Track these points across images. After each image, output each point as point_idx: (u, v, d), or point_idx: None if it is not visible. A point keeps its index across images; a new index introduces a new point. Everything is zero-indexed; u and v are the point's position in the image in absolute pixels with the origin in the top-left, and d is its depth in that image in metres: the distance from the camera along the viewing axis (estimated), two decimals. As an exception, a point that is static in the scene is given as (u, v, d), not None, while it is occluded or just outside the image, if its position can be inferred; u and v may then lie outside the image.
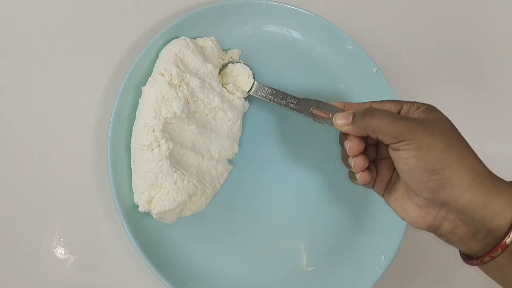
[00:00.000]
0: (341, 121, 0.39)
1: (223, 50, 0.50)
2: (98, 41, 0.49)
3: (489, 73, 0.60)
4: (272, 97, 0.46)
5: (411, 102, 0.39)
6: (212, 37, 0.49)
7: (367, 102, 0.41)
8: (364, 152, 0.40)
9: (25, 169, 0.45)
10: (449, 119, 0.37)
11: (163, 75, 0.44)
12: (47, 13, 0.49)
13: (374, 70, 0.52)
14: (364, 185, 0.41)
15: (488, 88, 0.60)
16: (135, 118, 0.44)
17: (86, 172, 0.46)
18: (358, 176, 0.40)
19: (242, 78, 0.48)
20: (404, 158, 0.36)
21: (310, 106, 0.43)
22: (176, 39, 0.47)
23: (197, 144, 0.45)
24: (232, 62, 0.49)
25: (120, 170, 0.44)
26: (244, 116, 0.49)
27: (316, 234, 0.49)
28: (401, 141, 0.35)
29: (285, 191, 0.49)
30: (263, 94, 0.47)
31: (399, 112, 0.39)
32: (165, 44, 0.47)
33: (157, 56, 0.47)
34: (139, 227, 0.43)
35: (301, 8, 0.51)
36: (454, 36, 0.61)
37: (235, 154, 0.48)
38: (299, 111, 0.44)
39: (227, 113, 0.46)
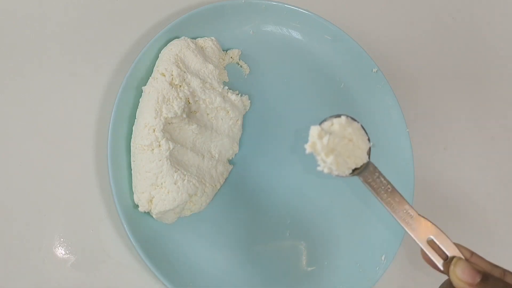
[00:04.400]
0: (463, 276, 0.32)
1: (223, 50, 0.51)
2: (98, 41, 0.49)
3: (489, 73, 0.60)
4: (384, 194, 0.34)
5: None
6: (212, 37, 0.49)
7: (499, 267, 0.33)
8: None
9: (25, 169, 0.45)
10: None
11: (164, 75, 0.44)
12: (47, 13, 0.49)
13: (374, 70, 0.52)
14: None
15: (488, 88, 0.60)
16: (135, 118, 0.44)
17: (86, 172, 0.46)
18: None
19: (355, 145, 0.34)
20: None
21: (428, 233, 0.34)
22: (176, 39, 0.47)
23: (197, 144, 0.45)
24: (347, 117, 0.34)
25: (120, 170, 0.44)
26: (245, 116, 0.49)
27: (316, 234, 0.49)
28: None
29: (285, 191, 0.49)
30: (373, 184, 0.34)
31: None
32: (165, 44, 0.47)
33: (157, 56, 0.47)
34: (139, 227, 0.43)
35: (301, 8, 0.51)
36: (454, 36, 0.61)
37: (235, 154, 0.48)
38: (412, 231, 0.34)
39: (228, 112, 0.46)
